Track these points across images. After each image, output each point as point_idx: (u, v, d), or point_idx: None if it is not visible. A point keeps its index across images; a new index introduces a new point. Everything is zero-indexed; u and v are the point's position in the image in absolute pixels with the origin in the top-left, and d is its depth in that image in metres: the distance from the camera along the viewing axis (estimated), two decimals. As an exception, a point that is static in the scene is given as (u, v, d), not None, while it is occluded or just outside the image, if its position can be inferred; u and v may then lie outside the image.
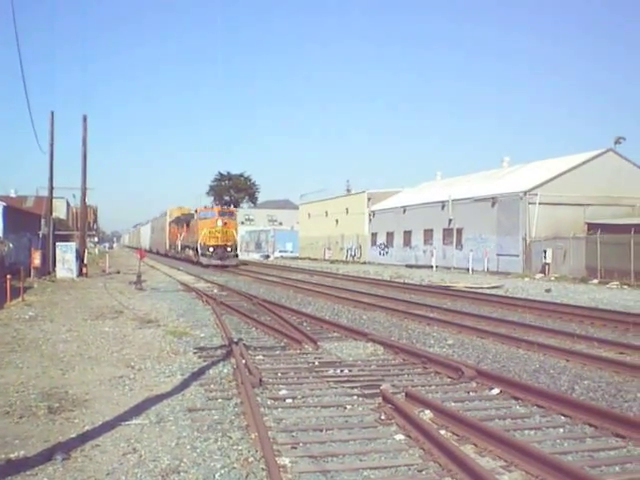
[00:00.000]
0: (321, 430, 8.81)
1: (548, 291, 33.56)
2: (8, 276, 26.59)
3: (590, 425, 8.96)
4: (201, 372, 12.60)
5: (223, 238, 60.73)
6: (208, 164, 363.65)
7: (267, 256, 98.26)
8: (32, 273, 39.22)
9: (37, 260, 40.12)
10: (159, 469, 7.25)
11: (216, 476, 7.06)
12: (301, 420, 9.29)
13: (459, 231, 58.65)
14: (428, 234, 64.20)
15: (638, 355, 14.79)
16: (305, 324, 19.67)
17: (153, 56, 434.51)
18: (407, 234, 68.37)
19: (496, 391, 11.06)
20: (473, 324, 19.50)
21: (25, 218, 45.45)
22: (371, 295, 29.84)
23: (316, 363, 13.71)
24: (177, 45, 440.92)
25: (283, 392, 11.00)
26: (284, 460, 7.51)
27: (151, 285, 36.35)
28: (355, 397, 10.69)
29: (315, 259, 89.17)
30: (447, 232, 60.52)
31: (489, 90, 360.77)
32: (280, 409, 9.93)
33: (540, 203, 49.39)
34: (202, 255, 60.41)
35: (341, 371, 12.91)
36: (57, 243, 44.62)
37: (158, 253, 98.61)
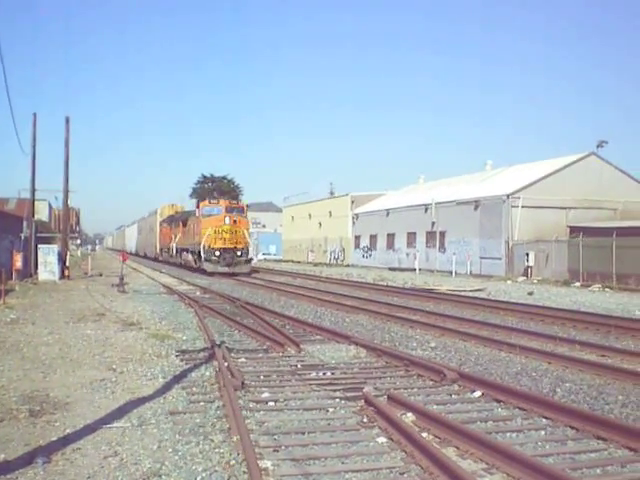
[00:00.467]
0: (303, 433, 8.79)
1: (530, 294, 33.68)
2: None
3: (572, 427, 8.98)
4: (183, 375, 12.55)
5: (232, 239, 50.21)
6: (191, 166, 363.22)
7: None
8: (14, 276, 38.94)
9: (19, 263, 39.82)
10: (140, 472, 7.21)
11: (197, 479, 7.04)
12: (283, 423, 9.27)
13: (442, 234, 58.81)
14: (411, 237, 64.34)
15: (620, 358, 14.84)
16: (288, 327, 19.64)
17: (138, 60, 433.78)
18: (390, 237, 68.51)
19: (478, 394, 11.08)
20: (455, 327, 19.53)
21: (7, 220, 45.10)
22: (354, 298, 29.85)
23: (299, 366, 13.69)
24: (162, 50, 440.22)
25: (265, 395, 10.98)
26: (266, 463, 7.48)
27: (133, 288, 36.17)
28: (337, 400, 10.68)
29: (298, 262, 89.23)
30: (430, 235, 60.68)
31: (473, 93, 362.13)
32: (262, 412, 9.90)
33: (523, 206, 49.61)
34: (206, 260, 49.68)
35: (323, 374, 12.90)
36: (39, 245, 44.30)
37: (146, 257, 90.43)
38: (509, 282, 44.44)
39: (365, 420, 9.38)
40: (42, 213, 74.62)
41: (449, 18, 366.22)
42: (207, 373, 12.70)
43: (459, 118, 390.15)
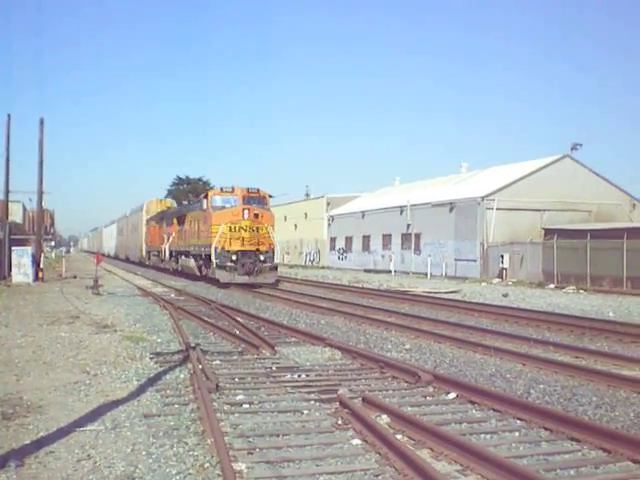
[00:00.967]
0: (278, 435, 8.79)
1: (505, 296, 33.80)
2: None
3: (545, 429, 9.04)
4: (157, 377, 12.51)
5: (253, 239, 38.78)
6: (166, 168, 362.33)
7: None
8: (-13, 278, 38.73)
9: (-8, 265, 39.62)
10: (114, 475, 7.19)
11: (171, 482, 7.03)
12: (258, 425, 9.27)
13: (417, 236, 58.89)
14: (387, 239, 64.38)
15: (593, 359, 14.94)
16: (263, 329, 19.63)
17: (117, 64, 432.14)
18: (366, 239, 68.50)
19: (452, 395, 11.12)
20: (430, 329, 19.58)
21: (-20, 222, 44.84)
22: (329, 300, 29.86)
23: (273, 368, 13.69)
24: (139, 54, 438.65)
25: (240, 397, 10.97)
26: (240, 466, 7.48)
27: (108, 290, 35.96)
28: (312, 402, 10.69)
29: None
30: (405, 237, 60.74)
31: (450, 94, 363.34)
32: (237, 414, 9.89)
33: (498, 208, 49.77)
34: (219, 267, 38.01)
35: (298, 376, 12.90)
36: (13, 247, 44.01)
37: (129, 260, 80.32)
38: (484, 284, 44.56)
39: (340, 422, 9.39)
40: (16, 215, 73.90)
41: (423, 17, 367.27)
42: (181, 376, 12.67)
43: (436, 120, 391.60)
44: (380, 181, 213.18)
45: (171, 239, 51.71)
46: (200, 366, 12.74)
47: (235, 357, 15.09)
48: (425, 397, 11.28)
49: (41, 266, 44.73)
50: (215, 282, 39.03)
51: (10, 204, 49.75)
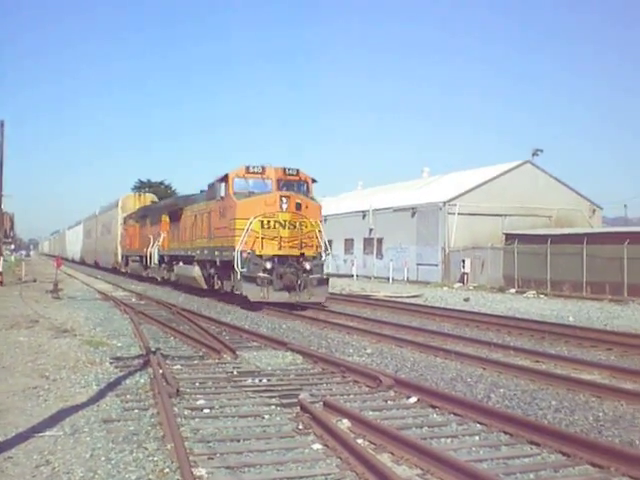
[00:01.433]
0: (238, 440, 8.75)
1: (466, 300, 34.02)
2: None
3: (505, 433, 9.08)
4: (117, 382, 12.41)
5: (294, 240, 28.02)
6: (128, 171, 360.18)
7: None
8: (-56, 282, 38.23)
9: (-50, 268, 39.13)
10: (72, 481, 7.13)
11: (131, 488, 6.98)
12: (218, 430, 9.22)
13: (380, 241, 59.11)
14: (349, 243, 64.54)
15: (553, 363, 15.07)
16: (224, 333, 19.55)
17: (71, 60, 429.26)
18: (328, 243, 68.43)
19: (413, 400, 11.14)
20: (392, 333, 19.63)
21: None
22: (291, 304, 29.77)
23: (234, 372, 13.63)
24: (95, 48, 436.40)
25: (201, 402, 10.90)
26: (200, 471, 7.44)
27: (68, 294, 35.67)
28: (273, 407, 10.66)
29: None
30: (368, 241, 60.96)
31: (415, 97, 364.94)
32: (197, 419, 9.84)
33: (459, 213, 50.11)
34: (246, 279, 27.34)
35: (260, 380, 12.85)
36: (-29, 251, 43.52)
37: (98, 266, 70.60)
38: (445, 288, 44.82)
39: (301, 427, 9.36)
40: (-26, 218, 73.12)
41: (383, 17, 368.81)
42: (142, 380, 12.58)
43: (400, 123, 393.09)
44: (343, 185, 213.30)
45: (161, 240, 41.98)
46: (160, 371, 12.67)
47: (196, 361, 15.01)
48: (386, 401, 11.29)
49: (0, 270, 44.25)
50: (235, 299, 29.49)
51: (-31, 207, 49.11)
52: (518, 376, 13.35)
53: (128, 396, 11.31)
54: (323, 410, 9.97)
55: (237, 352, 15.71)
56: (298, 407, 10.25)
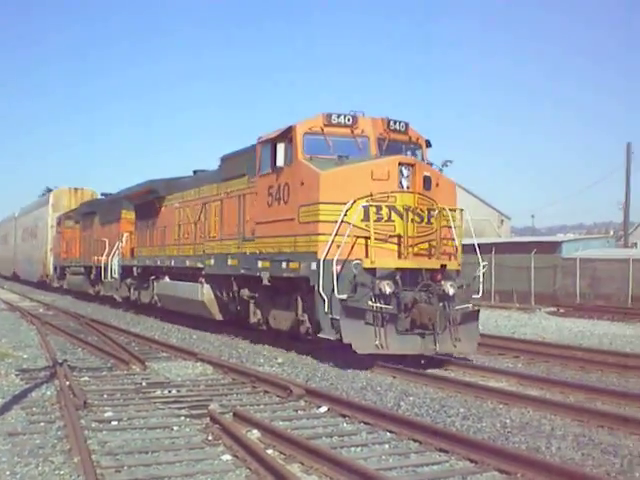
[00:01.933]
0: (147, 452, 8.67)
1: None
2: None
3: (415, 441, 9.18)
4: (23, 395, 12.15)
5: (422, 239, 16.05)
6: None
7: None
8: None
9: None
10: (-25, 497, 6.98)
11: (36, 502, 6.86)
12: (126, 442, 9.11)
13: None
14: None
15: (462, 371, 15.35)
16: (134, 344, 19.34)
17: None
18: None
19: (324, 409, 11.19)
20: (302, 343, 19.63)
21: None
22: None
23: (143, 384, 13.49)
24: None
25: (109, 414, 10.76)
26: (108, 484, 7.37)
27: (-30, 304, 34.85)
28: (183, 418, 10.59)
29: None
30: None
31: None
32: (105, 432, 9.70)
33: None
34: (348, 311, 14.72)
35: (169, 391, 12.75)
36: None
37: (17, 279, 60.08)
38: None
39: (210, 438, 9.33)
40: None
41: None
42: (48, 393, 12.35)
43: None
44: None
45: (123, 245, 31.31)
46: (67, 383, 12.49)
47: (104, 373, 14.81)
48: (297, 411, 11.30)
49: None
50: (305, 346, 17.99)
51: None
52: (428, 384, 13.53)
53: (34, 409, 11.09)
54: (233, 421, 9.96)
55: (146, 363, 15.57)
56: (208, 418, 10.21)
